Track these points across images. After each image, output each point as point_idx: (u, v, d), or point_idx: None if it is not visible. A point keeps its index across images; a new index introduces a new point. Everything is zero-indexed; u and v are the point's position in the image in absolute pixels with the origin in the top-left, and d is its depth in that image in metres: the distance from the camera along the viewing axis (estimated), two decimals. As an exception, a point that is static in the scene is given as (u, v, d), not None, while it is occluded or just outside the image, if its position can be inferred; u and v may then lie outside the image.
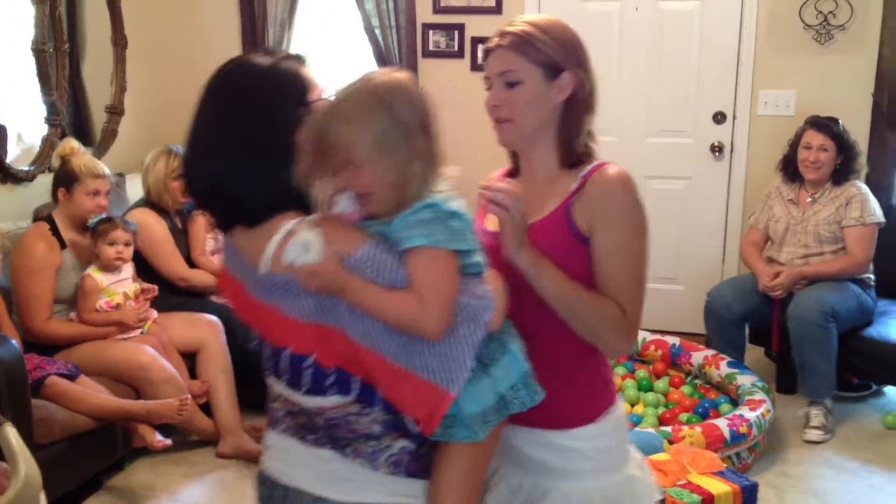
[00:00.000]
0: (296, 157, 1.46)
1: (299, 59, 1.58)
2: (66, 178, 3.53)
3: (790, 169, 4.15)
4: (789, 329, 3.86)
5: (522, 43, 1.72)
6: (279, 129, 1.48)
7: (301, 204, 1.50)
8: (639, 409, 3.83)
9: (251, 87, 1.52)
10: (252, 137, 1.48)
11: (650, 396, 3.88)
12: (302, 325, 1.47)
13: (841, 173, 4.04)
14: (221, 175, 1.50)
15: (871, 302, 4.02)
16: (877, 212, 3.99)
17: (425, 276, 1.44)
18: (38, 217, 3.66)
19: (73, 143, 3.67)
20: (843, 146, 4.02)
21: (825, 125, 4.03)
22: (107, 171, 3.64)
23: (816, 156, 4.01)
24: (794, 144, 4.13)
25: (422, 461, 1.55)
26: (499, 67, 1.73)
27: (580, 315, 1.66)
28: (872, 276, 4.06)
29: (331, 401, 1.51)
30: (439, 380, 1.44)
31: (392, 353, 1.44)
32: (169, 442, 3.34)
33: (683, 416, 3.68)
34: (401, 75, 1.49)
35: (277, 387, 1.58)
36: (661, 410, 3.78)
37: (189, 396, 3.36)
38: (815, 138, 4.02)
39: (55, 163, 3.66)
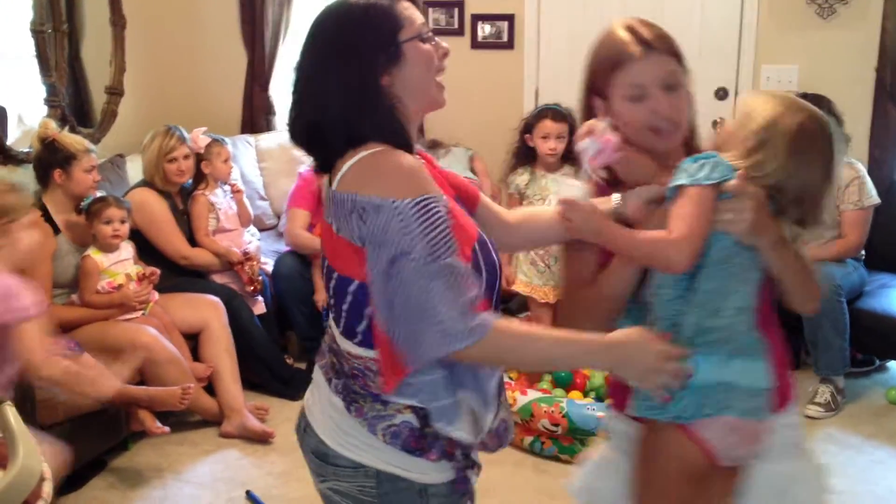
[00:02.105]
0: (385, 95, 1.53)
1: None
2: (60, 159, 3.50)
3: None
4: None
5: (671, 44, 1.71)
6: (367, 69, 1.52)
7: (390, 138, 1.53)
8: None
9: (342, 30, 1.56)
10: (344, 79, 1.52)
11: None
12: (349, 246, 1.49)
13: None
14: (317, 116, 1.55)
15: (865, 275, 4.03)
16: (873, 193, 3.97)
17: (677, 211, 1.57)
18: None
19: (51, 124, 3.63)
20: None
21: None
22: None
23: None
24: None
25: (423, 441, 1.56)
26: (660, 72, 1.68)
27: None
28: (863, 252, 4.06)
29: (356, 349, 1.55)
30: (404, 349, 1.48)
31: (378, 300, 1.47)
32: (167, 429, 3.35)
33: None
34: None
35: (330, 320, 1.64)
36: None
37: (192, 385, 3.37)
38: None
39: (35, 147, 3.59)
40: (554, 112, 3.96)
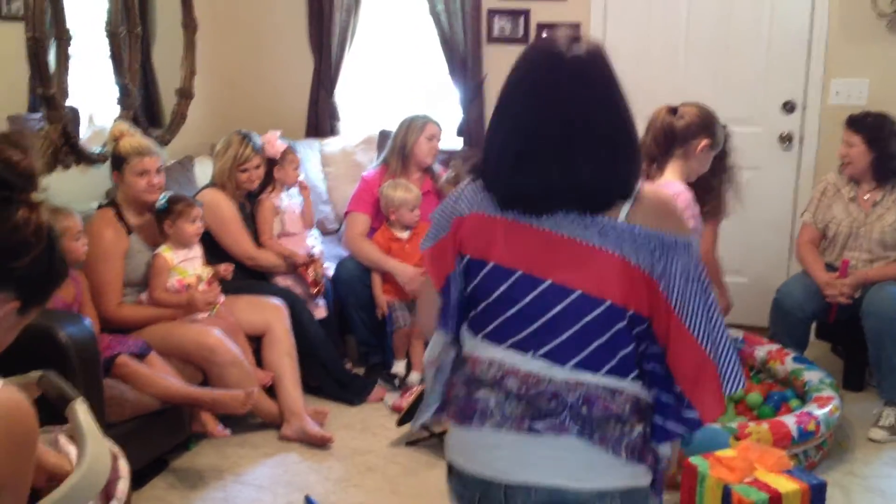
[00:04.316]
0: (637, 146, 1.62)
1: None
2: (116, 161, 3.56)
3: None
4: (864, 326, 3.76)
5: None
6: (628, 118, 1.61)
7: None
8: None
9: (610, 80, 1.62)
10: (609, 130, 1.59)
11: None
12: (622, 267, 1.53)
13: (881, 170, 3.94)
14: (581, 169, 1.55)
15: None
16: None
17: None
18: (101, 204, 3.67)
19: (122, 125, 3.68)
20: (873, 141, 3.91)
21: (853, 120, 3.96)
22: (156, 148, 3.62)
23: (845, 151, 3.96)
24: None
25: (648, 447, 1.59)
26: None
27: None
28: None
29: (598, 378, 1.56)
30: (726, 375, 1.56)
31: (703, 332, 1.53)
32: (228, 432, 3.40)
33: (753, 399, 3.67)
34: None
35: (516, 365, 1.58)
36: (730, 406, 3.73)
37: (255, 389, 3.41)
38: (845, 133, 3.98)
39: (109, 147, 3.67)
40: None
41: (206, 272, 3.67)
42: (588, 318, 1.54)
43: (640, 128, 1.98)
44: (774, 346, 3.95)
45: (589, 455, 1.55)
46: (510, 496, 1.57)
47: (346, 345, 4.45)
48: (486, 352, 1.62)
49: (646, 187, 1.59)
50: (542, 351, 1.56)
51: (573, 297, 1.54)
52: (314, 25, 5.21)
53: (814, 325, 4.18)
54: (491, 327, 1.62)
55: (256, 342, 3.78)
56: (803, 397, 3.64)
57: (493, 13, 4.99)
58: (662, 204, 1.58)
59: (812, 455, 3.37)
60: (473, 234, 1.64)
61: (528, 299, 1.57)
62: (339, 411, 3.90)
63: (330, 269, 4.29)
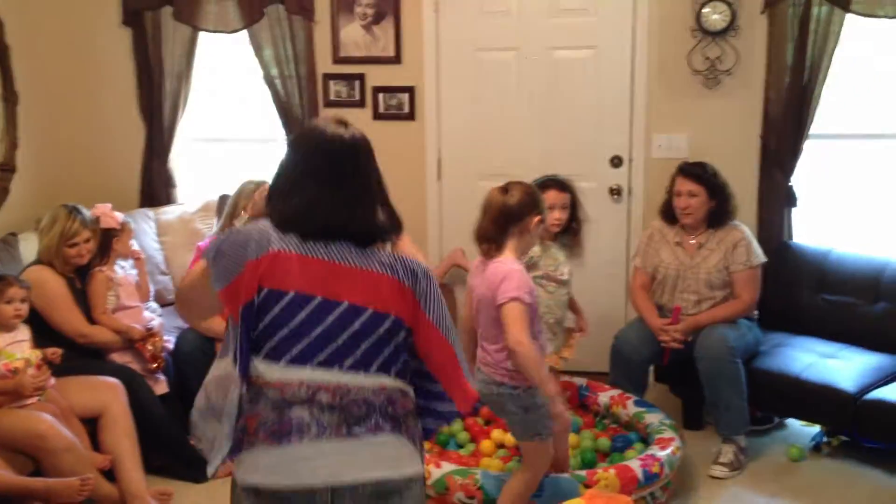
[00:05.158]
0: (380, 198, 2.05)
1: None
2: None
3: (669, 212, 4.24)
4: (699, 369, 3.93)
5: None
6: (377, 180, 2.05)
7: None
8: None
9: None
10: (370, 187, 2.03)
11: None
12: (398, 288, 1.94)
13: (717, 216, 4.13)
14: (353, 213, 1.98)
15: (760, 335, 4.18)
16: (759, 252, 4.14)
17: None
18: None
19: None
20: (714, 190, 4.11)
21: (692, 172, 4.13)
22: None
23: (687, 202, 4.11)
24: (671, 190, 4.23)
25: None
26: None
27: None
28: (756, 312, 4.21)
29: (393, 381, 1.92)
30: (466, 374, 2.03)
31: (450, 337, 1.98)
32: None
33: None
34: None
35: (326, 380, 1.86)
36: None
37: (91, 477, 3.24)
38: (683, 185, 4.12)
39: None
40: (559, 183, 3.85)
41: (35, 355, 3.49)
42: (381, 330, 1.90)
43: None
44: (616, 392, 4.08)
45: (399, 447, 1.90)
46: (337, 498, 1.83)
47: (190, 420, 4.29)
48: (294, 374, 1.86)
49: (400, 241, 2.05)
50: (348, 363, 1.87)
51: (367, 314, 1.89)
52: (144, 93, 5.12)
53: (652, 368, 4.33)
54: (295, 351, 1.86)
55: (93, 424, 3.60)
56: (646, 439, 3.75)
57: (328, 77, 5.02)
58: (410, 246, 2.20)
59: (659, 496, 3.48)
60: (272, 270, 1.88)
61: (329, 320, 1.87)
62: (185, 490, 3.76)
63: (170, 342, 4.15)
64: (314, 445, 1.82)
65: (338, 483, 1.81)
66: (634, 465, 3.37)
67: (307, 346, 1.86)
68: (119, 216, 4.03)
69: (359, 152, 2.02)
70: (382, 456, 1.86)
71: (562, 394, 3.60)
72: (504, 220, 2.96)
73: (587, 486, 3.22)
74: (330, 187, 1.95)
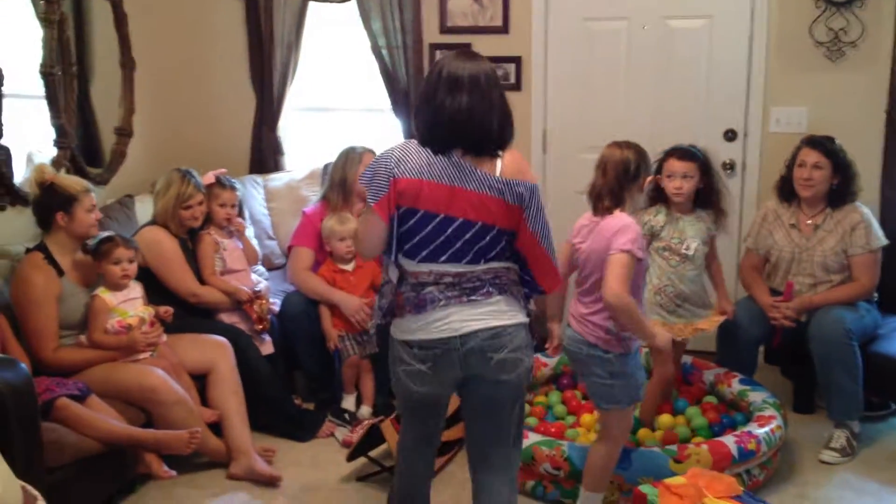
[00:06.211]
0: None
1: None
2: (62, 201, 3.47)
3: (786, 190, 4.07)
4: (812, 350, 3.78)
5: None
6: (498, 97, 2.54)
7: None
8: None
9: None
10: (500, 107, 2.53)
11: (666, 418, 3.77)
12: (505, 207, 2.47)
13: (838, 195, 3.95)
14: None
15: (879, 318, 3.99)
16: (879, 235, 3.94)
17: None
18: (29, 248, 3.56)
19: (47, 167, 3.60)
20: (839, 165, 3.93)
21: (820, 143, 3.96)
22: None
23: (810, 173, 3.92)
24: (791, 164, 4.05)
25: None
26: None
27: None
28: (876, 294, 4.02)
29: (499, 264, 2.53)
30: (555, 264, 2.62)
31: (546, 243, 2.54)
32: (174, 473, 3.32)
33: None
34: None
35: (448, 270, 2.49)
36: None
37: (199, 430, 3.33)
38: (809, 156, 3.94)
39: (33, 191, 3.55)
40: (680, 151, 3.76)
41: (148, 313, 3.59)
42: (487, 238, 2.48)
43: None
44: (721, 370, 3.97)
45: (506, 304, 2.53)
46: (465, 341, 2.49)
47: (294, 380, 4.37)
48: (425, 268, 2.51)
49: (506, 152, 2.52)
50: (465, 260, 2.49)
51: (477, 226, 2.47)
52: (255, 62, 5.19)
53: (761, 349, 4.20)
54: (425, 252, 2.50)
55: (202, 381, 3.69)
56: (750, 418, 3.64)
57: (435, 47, 5.00)
58: (518, 163, 2.52)
59: (756, 474, 3.38)
60: (406, 193, 2.47)
61: (449, 230, 2.46)
62: (288, 448, 3.82)
63: (276, 304, 4.22)
64: (444, 310, 2.48)
65: (465, 331, 2.47)
66: (729, 440, 3.29)
67: (432, 249, 2.48)
68: (209, 178, 4.08)
69: (479, 76, 2.47)
70: (494, 311, 2.50)
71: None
72: (625, 175, 2.93)
73: (677, 462, 3.15)
74: (451, 99, 2.45)
